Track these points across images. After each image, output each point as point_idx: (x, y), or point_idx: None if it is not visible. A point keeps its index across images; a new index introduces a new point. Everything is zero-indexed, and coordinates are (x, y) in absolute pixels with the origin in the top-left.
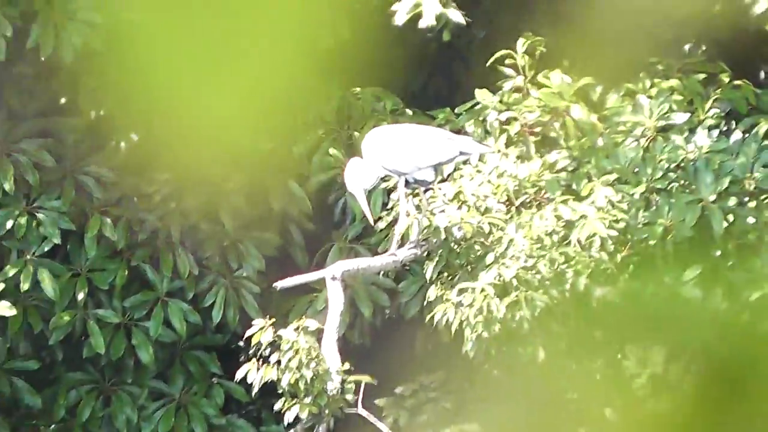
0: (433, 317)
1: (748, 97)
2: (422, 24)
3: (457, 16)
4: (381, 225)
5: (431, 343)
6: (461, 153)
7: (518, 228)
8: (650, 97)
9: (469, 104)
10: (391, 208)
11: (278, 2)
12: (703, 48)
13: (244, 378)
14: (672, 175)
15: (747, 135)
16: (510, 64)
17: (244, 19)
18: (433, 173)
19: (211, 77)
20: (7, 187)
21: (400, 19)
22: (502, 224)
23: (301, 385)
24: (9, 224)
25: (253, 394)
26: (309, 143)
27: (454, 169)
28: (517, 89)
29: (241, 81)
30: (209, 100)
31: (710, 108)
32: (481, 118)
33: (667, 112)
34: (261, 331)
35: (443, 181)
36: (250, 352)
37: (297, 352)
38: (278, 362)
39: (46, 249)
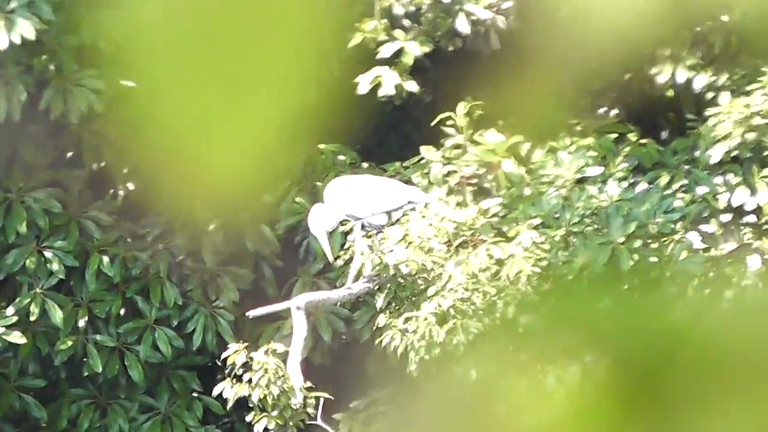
0: (382, 341)
1: (652, 153)
2: (381, 93)
3: (412, 86)
4: (339, 262)
5: (381, 364)
6: (409, 201)
7: (456, 265)
8: (569, 153)
9: (416, 159)
10: (348, 248)
11: (255, 75)
12: (615, 111)
13: (221, 394)
14: (587, 220)
15: (651, 186)
16: (451, 125)
17: (225, 90)
18: (385, 218)
19: (195, 137)
20: (20, 229)
21: (363, 89)
22: (442, 262)
23: (269, 400)
24: (22, 262)
25: (228, 407)
26: (278, 192)
27: (402, 215)
28: (457, 146)
29: (220, 140)
30: (193, 156)
31: (620, 163)
32: (425, 171)
33: (583, 166)
34: (235, 353)
35: (393, 224)
36: (226, 371)
37: (266, 371)
38: (250, 380)
39: (53, 283)
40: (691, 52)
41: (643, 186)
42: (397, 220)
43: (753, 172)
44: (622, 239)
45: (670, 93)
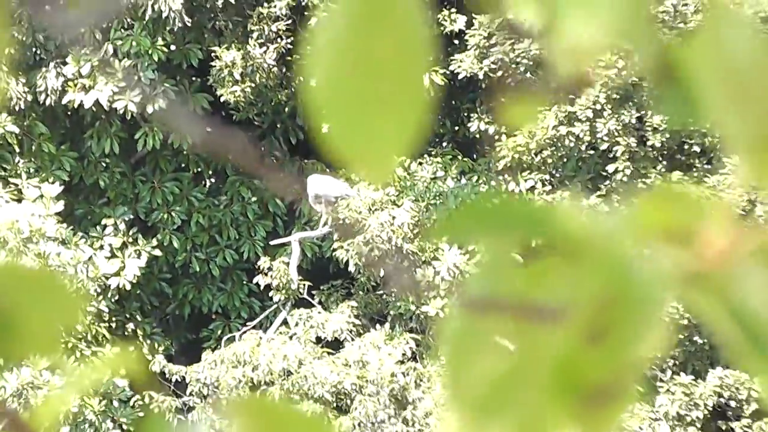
0: (336, 255)
1: (468, 165)
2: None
3: None
4: (316, 218)
5: (337, 266)
6: (346, 193)
7: (373, 218)
8: (428, 164)
9: None
10: (320, 212)
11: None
12: (449, 144)
13: (257, 282)
14: (438, 198)
15: (467, 182)
16: None
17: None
18: (335, 198)
19: None
20: (158, 201)
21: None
22: (366, 216)
23: (280, 285)
24: (159, 216)
25: (261, 288)
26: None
27: (344, 198)
28: None
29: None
30: None
31: (454, 170)
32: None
33: (436, 171)
34: (264, 262)
35: (342, 200)
36: (260, 270)
37: (279, 271)
38: (271, 275)
39: (174, 227)
40: (488, 114)
41: (464, 181)
42: (343, 198)
43: (518, 175)
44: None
45: (479, 135)
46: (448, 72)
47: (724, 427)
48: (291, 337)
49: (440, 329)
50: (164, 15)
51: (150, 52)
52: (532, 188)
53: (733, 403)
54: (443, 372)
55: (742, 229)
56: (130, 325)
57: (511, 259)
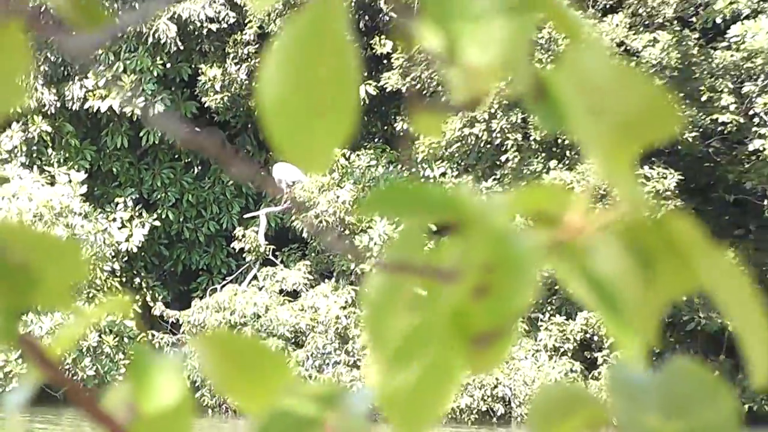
0: (294, 225)
1: (394, 156)
2: None
3: None
4: (278, 197)
5: (294, 234)
6: (300, 180)
7: (322, 197)
8: (364, 155)
9: None
10: (282, 192)
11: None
12: (380, 140)
13: (234, 246)
14: (371, 181)
15: (394, 169)
16: None
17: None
18: (292, 182)
19: None
20: (158, 184)
21: None
22: (317, 195)
23: (251, 248)
24: (160, 195)
25: (236, 251)
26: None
27: (299, 182)
28: None
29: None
30: None
31: (384, 160)
32: None
33: (370, 161)
34: (240, 231)
35: (298, 183)
36: (236, 236)
37: (250, 237)
38: (244, 241)
39: (170, 204)
40: (409, 118)
41: (391, 169)
42: (299, 182)
43: (433, 164)
44: None
45: (402, 133)
46: (378, 85)
47: (589, 356)
48: (260, 289)
49: (362, 289)
50: (162, 40)
51: (151, 69)
52: (444, 174)
53: (596, 338)
54: (365, 326)
55: (597, 209)
56: (137, 280)
57: (423, 231)
